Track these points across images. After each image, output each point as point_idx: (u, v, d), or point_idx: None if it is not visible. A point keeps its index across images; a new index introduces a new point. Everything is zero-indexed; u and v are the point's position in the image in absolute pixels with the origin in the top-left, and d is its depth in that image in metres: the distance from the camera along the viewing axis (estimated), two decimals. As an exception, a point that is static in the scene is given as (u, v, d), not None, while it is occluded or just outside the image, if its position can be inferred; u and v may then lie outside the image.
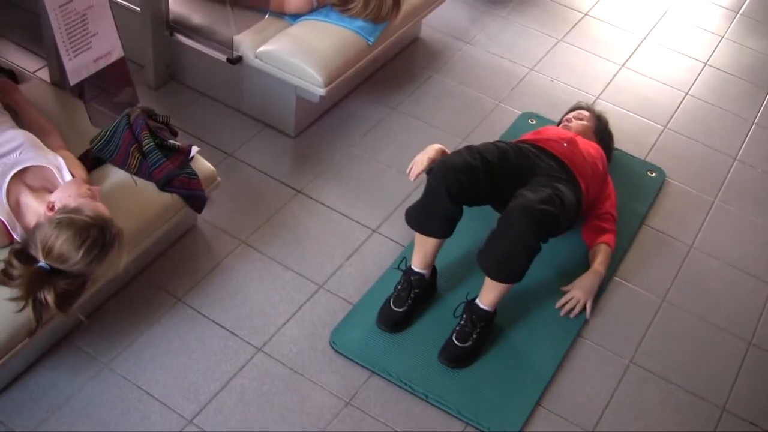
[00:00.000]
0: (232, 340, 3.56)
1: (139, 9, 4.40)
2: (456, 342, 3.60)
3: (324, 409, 3.39)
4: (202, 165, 3.70)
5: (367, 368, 3.53)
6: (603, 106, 4.97)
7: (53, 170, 3.30)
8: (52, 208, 3.13)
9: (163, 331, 3.55)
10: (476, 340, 3.60)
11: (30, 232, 3.11)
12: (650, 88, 5.25)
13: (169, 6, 4.46)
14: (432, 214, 3.59)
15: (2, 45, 4.71)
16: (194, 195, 3.59)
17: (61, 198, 3.16)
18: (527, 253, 3.47)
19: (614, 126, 4.53)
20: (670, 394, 3.64)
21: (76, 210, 3.06)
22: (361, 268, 3.90)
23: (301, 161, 4.38)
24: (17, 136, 3.35)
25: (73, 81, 3.67)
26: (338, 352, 3.57)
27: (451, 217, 3.59)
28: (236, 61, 4.33)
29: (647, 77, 5.33)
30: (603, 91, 5.15)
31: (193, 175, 3.60)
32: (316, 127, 4.57)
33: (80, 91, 3.92)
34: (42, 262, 3.02)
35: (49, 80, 4.15)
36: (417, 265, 3.70)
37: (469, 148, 3.72)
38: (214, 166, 3.79)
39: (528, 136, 4.12)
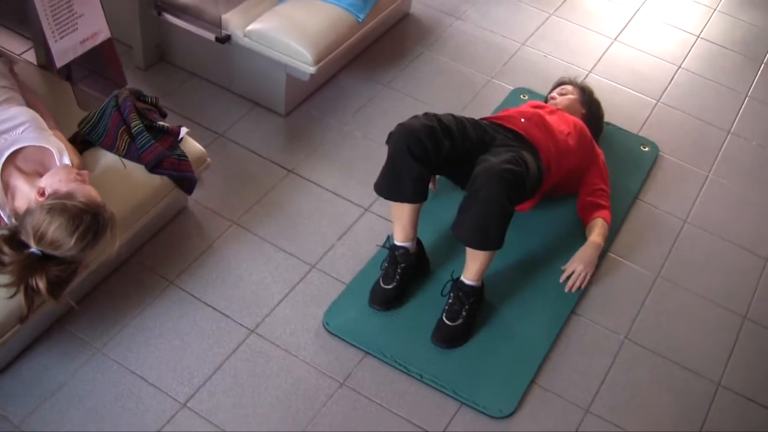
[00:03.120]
0: (224, 322, 3.55)
1: (126, -12, 4.37)
2: (447, 321, 3.58)
3: (318, 391, 3.38)
4: (192, 146, 3.67)
5: (361, 349, 3.51)
6: (595, 81, 4.94)
7: (54, 153, 3.26)
8: (42, 194, 3.10)
9: (156, 315, 3.53)
10: (466, 317, 3.59)
11: (20, 218, 3.08)
12: (643, 61, 5.22)
13: (156, -14, 4.44)
14: (400, 177, 3.56)
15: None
16: (184, 176, 3.57)
17: (52, 183, 3.12)
18: (501, 214, 3.44)
19: (607, 101, 4.51)
20: (666, 370, 3.63)
21: (67, 195, 3.04)
22: (354, 247, 3.87)
23: (293, 140, 4.35)
24: (22, 113, 3.32)
25: (59, 63, 3.63)
26: (332, 333, 3.55)
27: (420, 178, 3.55)
28: (225, 40, 4.29)
29: (640, 51, 5.30)
30: (595, 65, 5.11)
31: (182, 157, 3.57)
32: (307, 106, 4.54)
33: (67, 73, 3.89)
34: (34, 248, 3.00)
35: (35, 62, 4.10)
36: (398, 238, 3.68)
37: (425, 114, 3.67)
38: (204, 146, 3.76)
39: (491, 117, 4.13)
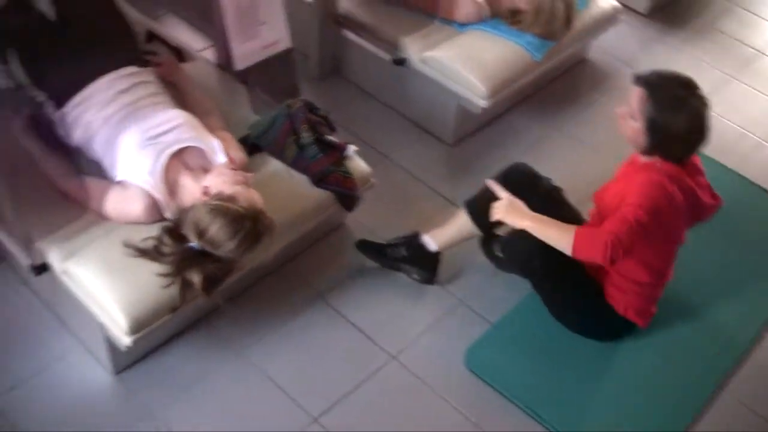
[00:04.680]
0: (367, 344, 3.54)
1: (310, 0, 4.42)
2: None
3: (450, 427, 3.33)
4: (358, 164, 3.67)
5: (498, 391, 3.45)
6: (771, 152, 4.77)
7: (208, 152, 3.32)
8: (207, 193, 3.15)
9: (301, 326, 3.55)
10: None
11: (184, 212, 3.14)
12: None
13: (339, 0, 4.49)
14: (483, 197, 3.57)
15: (171, 22, 4.76)
16: (347, 194, 3.57)
17: (217, 183, 3.17)
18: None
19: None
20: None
21: (230, 198, 3.08)
22: (504, 287, 3.79)
23: (457, 171, 4.33)
24: (177, 116, 3.38)
25: (239, 66, 3.68)
26: (471, 371, 3.50)
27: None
28: (401, 62, 4.30)
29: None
30: (772, 135, 4.95)
31: (347, 174, 3.57)
32: (474, 138, 4.51)
33: (244, 76, 3.94)
34: (194, 243, 3.04)
35: (213, 61, 4.17)
36: (434, 239, 3.71)
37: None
38: (369, 164, 3.75)
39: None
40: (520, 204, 3.39)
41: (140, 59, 3.61)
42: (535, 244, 3.32)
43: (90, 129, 3.34)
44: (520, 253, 3.48)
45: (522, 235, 3.36)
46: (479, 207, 3.58)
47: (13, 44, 3.45)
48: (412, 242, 3.71)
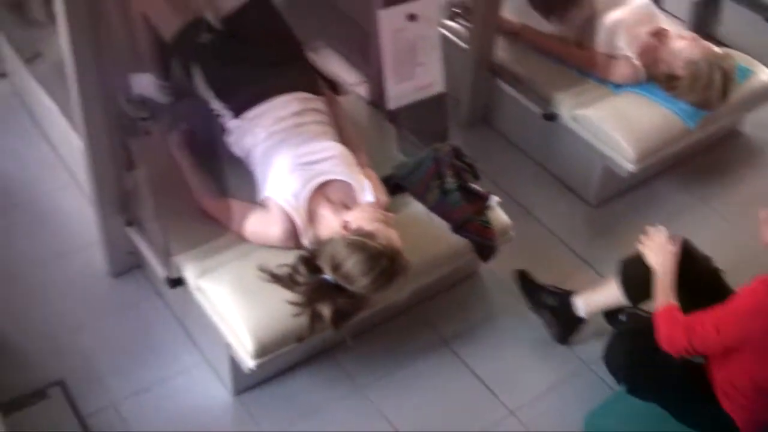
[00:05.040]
0: (487, 396, 3.51)
1: (467, 47, 4.45)
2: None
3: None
4: (499, 216, 3.65)
5: (618, 463, 3.37)
6: None
7: (356, 189, 3.35)
8: (346, 228, 3.17)
9: (423, 370, 3.55)
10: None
11: (321, 245, 3.18)
12: None
13: (495, 50, 4.49)
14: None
15: (326, 54, 4.83)
16: (485, 244, 3.56)
17: (357, 219, 3.19)
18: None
19: None
20: None
21: (370, 235, 3.09)
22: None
23: (597, 233, 4.29)
24: (334, 147, 3.44)
25: (392, 106, 3.69)
26: (590, 437, 3.43)
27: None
28: (552, 118, 4.29)
29: None
30: None
31: (487, 224, 3.56)
32: (617, 201, 4.45)
33: (394, 115, 3.97)
34: (328, 276, 3.06)
35: (365, 97, 4.22)
36: (584, 303, 3.64)
37: None
38: (509, 217, 3.72)
39: None
40: (671, 261, 3.32)
41: (314, 87, 3.71)
42: (623, 353, 3.35)
43: (256, 139, 3.45)
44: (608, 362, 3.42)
45: (615, 345, 3.39)
46: (631, 274, 3.50)
47: (198, 59, 3.60)
48: (564, 299, 3.68)
